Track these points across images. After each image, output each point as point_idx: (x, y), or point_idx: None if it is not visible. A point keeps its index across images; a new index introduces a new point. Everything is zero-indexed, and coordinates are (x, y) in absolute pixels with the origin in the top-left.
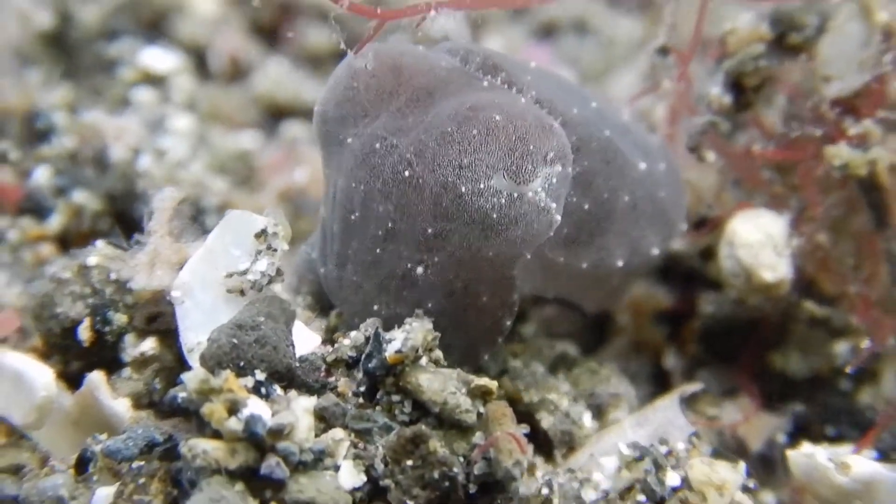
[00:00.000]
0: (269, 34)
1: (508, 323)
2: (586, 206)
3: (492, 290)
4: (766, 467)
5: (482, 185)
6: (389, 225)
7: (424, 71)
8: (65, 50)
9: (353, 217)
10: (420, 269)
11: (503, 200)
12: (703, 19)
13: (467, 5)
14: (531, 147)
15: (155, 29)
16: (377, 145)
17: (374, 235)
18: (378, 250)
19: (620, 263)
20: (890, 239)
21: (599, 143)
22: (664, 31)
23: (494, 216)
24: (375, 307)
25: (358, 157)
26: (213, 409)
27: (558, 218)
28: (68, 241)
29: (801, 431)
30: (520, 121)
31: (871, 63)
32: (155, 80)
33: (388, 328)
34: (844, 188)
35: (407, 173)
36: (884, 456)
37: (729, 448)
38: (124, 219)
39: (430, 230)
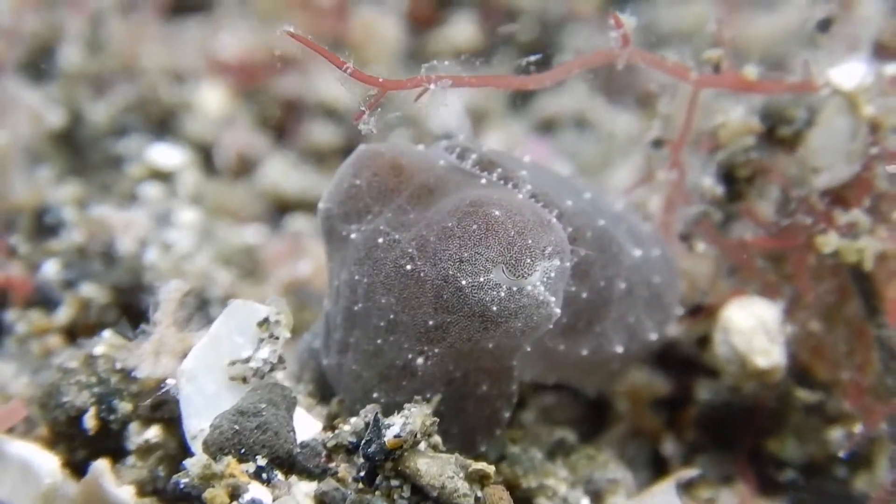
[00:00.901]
0: (276, 130)
1: (507, 415)
2: (584, 295)
3: (491, 380)
4: None
5: (482, 279)
6: (391, 317)
7: (424, 169)
8: (74, 147)
9: (356, 308)
10: (420, 360)
11: (503, 294)
12: (695, 111)
13: (467, 83)
14: (529, 242)
15: (163, 126)
16: (380, 240)
17: (376, 326)
18: (379, 340)
19: (620, 349)
20: (880, 326)
21: (594, 232)
22: (658, 123)
23: (494, 309)
24: (375, 395)
25: (361, 252)
26: (215, 495)
27: (558, 311)
28: (76, 333)
29: None
30: (518, 216)
31: (859, 155)
32: (162, 176)
33: (387, 416)
34: (836, 276)
35: (409, 267)
36: None
37: None
38: (131, 310)
39: (430, 322)
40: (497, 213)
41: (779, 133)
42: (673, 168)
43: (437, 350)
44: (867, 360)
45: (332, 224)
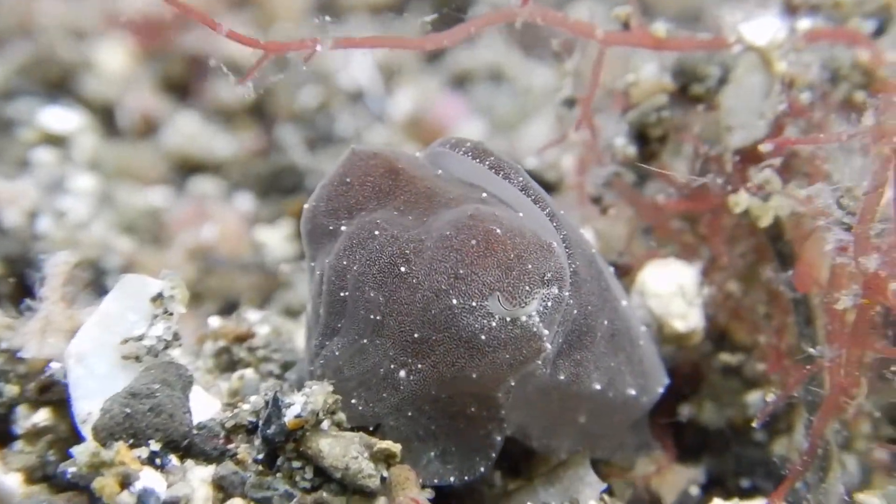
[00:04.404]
0: (180, 89)
1: (499, 438)
2: (575, 312)
3: (478, 403)
4: None
5: (475, 304)
6: (378, 318)
7: (422, 177)
8: None
9: (342, 294)
10: (403, 373)
11: (494, 323)
12: (601, 69)
13: (357, 44)
14: (529, 267)
15: (61, 87)
16: (377, 232)
17: (364, 318)
18: (365, 340)
19: (598, 387)
20: (792, 284)
21: (584, 254)
22: (569, 81)
23: (483, 338)
24: (353, 401)
25: (354, 239)
26: (104, 484)
27: (548, 346)
28: None
29: (716, 483)
30: (519, 238)
31: (772, 113)
32: (56, 141)
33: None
34: (753, 237)
35: (403, 269)
36: None
37: (642, 503)
38: (24, 281)
39: (416, 334)
40: (498, 230)
41: (692, 91)
42: (582, 128)
43: (420, 366)
44: (785, 323)
45: (317, 222)
